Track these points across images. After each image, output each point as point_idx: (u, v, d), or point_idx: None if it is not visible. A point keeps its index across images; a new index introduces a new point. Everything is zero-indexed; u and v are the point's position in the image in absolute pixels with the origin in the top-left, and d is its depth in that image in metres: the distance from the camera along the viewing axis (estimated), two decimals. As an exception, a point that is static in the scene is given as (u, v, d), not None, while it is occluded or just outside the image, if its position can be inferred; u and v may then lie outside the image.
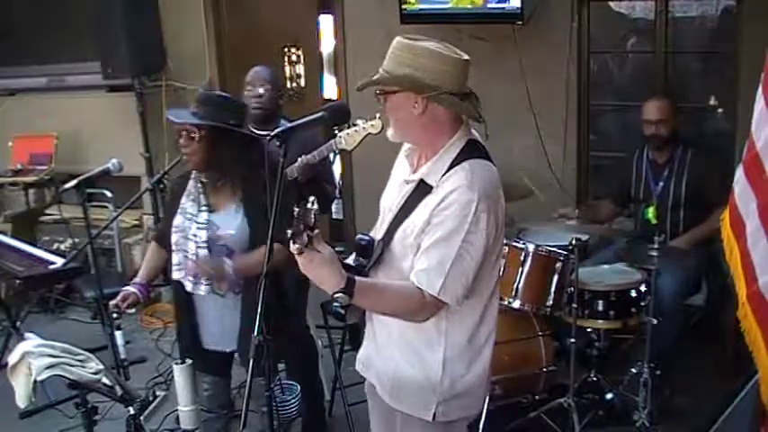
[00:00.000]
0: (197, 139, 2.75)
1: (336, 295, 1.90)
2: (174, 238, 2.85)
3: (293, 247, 1.81)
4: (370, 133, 3.09)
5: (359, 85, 2.11)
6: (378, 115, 3.03)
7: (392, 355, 2.17)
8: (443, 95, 2.03)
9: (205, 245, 2.79)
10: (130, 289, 3.00)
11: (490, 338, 2.18)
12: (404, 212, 2.11)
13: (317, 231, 1.81)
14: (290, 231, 1.79)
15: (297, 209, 1.79)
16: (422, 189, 2.08)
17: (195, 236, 2.79)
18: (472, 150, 2.09)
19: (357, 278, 1.94)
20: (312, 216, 1.80)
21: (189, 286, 2.84)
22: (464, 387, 2.13)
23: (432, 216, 2.01)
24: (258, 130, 3.43)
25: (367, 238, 2.16)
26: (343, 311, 2.06)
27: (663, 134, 4.02)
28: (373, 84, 2.08)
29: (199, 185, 2.87)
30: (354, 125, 3.10)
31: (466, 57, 2.07)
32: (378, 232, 2.22)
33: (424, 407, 2.13)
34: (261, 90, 3.42)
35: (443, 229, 1.99)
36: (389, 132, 2.15)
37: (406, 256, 2.07)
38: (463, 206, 1.98)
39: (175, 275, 2.88)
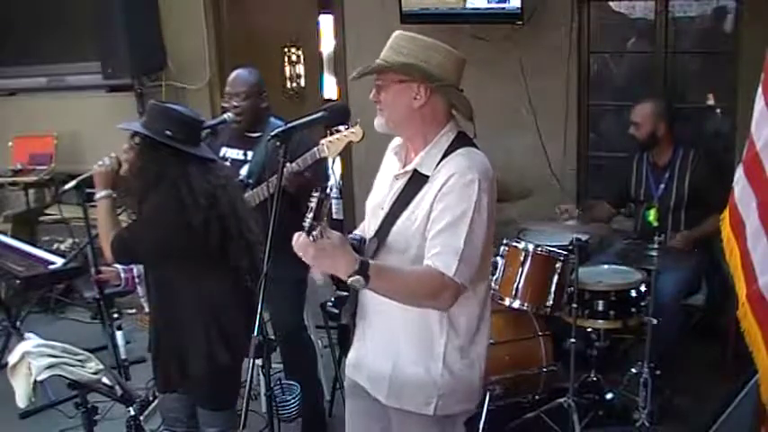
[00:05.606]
0: (131, 147, 2.71)
1: (351, 279, 1.86)
2: None
3: (309, 238, 1.79)
4: (351, 141, 3.08)
5: (357, 73, 2.09)
6: (358, 121, 3.02)
7: (392, 352, 2.15)
8: (447, 88, 2.05)
9: None
10: (116, 266, 3.03)
11: (486, 328, 2.19)
12: (400, 205, 2.10)
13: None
14: (307, 222, 1.78)
15: (313, 198, 1.79)
16: (417, 180, 2.09)
17: None
18: (463, 141, 2.11)
19: (370, 261, 1.93)
20: (327, 206, 1.80)
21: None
22: (462, 378, 2.13)
23: (435, 202, 2.01)
24: (249, 133, 3.45)
25: (357, 237, 2.15)
26: (336, 311, 2.04)
27: (638, 137, 4.01)
28: (379, 70, 2.07)
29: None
30: (337, 131, 3.10)
31: (462, 55, 2.09)
32: (367, 230, 2.20)
33: (424, 401, 2.12)
34: (235, 102, 3.40)
35: (451, 213, 1.99)
36: (378, 122, 2.12)
37: (409, 247, 2.05)
38: (466, 187, 1.99)
39: None
